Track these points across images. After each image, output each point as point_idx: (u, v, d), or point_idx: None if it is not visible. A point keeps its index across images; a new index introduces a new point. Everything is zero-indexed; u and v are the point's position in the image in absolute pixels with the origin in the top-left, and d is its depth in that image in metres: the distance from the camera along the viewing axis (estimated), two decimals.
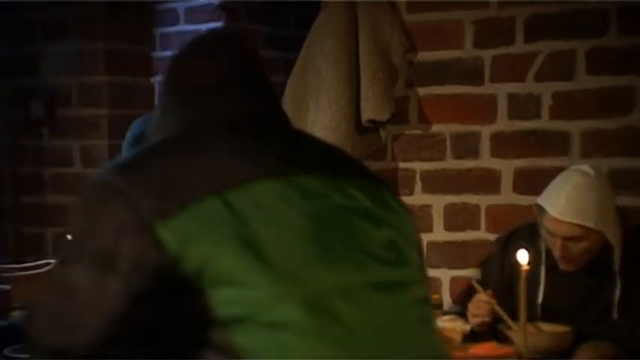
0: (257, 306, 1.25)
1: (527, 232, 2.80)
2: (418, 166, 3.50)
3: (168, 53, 4.37)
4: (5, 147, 4.32)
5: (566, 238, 2.60)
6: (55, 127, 4.27)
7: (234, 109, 1.49)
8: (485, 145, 3.44)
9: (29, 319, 1.34)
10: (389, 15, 3.54)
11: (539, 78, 3.35)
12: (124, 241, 1.27)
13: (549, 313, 2.63)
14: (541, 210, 2.68)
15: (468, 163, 3.38)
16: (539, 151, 3.35)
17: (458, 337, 2.64)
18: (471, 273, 3.29)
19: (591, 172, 2.64)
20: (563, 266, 2.66)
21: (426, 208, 3.47)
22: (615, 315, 2.62)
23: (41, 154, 4.30)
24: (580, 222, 2.57)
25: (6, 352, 2.31)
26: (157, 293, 1.26)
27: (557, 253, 2.63)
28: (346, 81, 3.51)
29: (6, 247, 4.21)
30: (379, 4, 3.54)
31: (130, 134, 2.75)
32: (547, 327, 2.60)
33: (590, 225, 2.57)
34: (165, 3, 4.37)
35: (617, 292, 2.61)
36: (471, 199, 3.37)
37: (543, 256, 2.70)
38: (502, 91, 3.41)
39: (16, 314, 2.79)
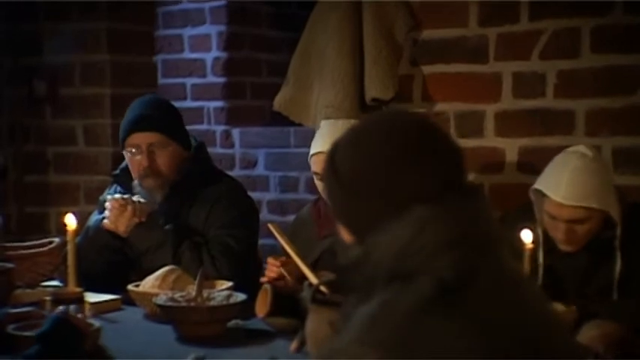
0: None
1: (521, 215, 2.76)
2: None
3: (170, 32, 4.36)
4: (8, 126, 4.31)
5: (570, 221, 2.59)
6: (57, 105, 4.26)
7: None
8: (489, 124, 3.43)
9: None
10: None
11: (544, 56, 3.34)
12: None
13: (550, 294, 2.62)
14: (540, 195, 2.66)
15: (473, 142, 3.37)
16: (543, 130, 3.34)
17: None
18: None
19: (588, 153, 2.62)
20: (565, 248, 2.65)
21: None
22: (615, 293, 2.61)
23: (44, 132, 4.29)
24: (584, 204, 2.56)
25: (9, 329, 2.31)
26: None
27: (560, 236, 2.62)
28: (350, 60, 3.49)
29: (9, 226, 4.22)
30: None
31: None
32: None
33: (595, 206, 2.56)
34: None
35: (617, 270, 2.61)
36: (475, 178, 3.36)
37: (541, 238, 2.69)
38: (507, 69, 3.40)
39: (20, 292, 2.80)
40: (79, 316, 2.27)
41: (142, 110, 3.07)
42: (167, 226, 3.01)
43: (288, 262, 2.70)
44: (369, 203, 1.39)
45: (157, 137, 3.03)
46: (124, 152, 3.07)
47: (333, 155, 1.45)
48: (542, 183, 2.65)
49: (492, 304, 1.34)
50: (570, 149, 2.71)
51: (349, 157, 1.42)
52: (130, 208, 2.96)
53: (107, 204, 3.01)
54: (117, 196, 3.03)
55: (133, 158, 3.05)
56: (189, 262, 2.91)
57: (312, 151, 2.95)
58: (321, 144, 2.90)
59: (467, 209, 1.38)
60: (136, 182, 3.07)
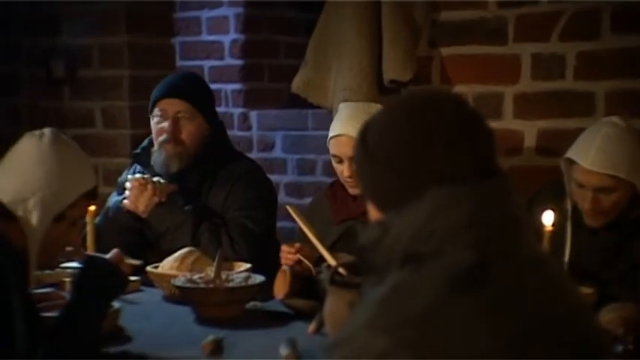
0: None
1: (551, 191, 2.79)
2: None
3: (188, 14, 4.35)
4: (26, 107, 4.33)
5: (597, 190, 2.59)
6: (76, 87, 4.27)
7: None
8: (508, 106, 3.42)
9: None
10: None
11: (563, 38, 3.31)
12: None
13: (576, 272, 2.62)
14: (570, 163, 2.66)
15: (491, 124, 3.33)
16: (562, 112, 3.32)
17: None
18: None
19: (621, 123, 2.62)
20: (591, 220, 2.65)
21: None
22: None
23: (62, 114, 4.30)
24: (611, 172, 2.55)
25: None
26: None
27: (587, 205, 2.61)
28: (368, 41, 3.48)
29: None
30: None
31: None
32: None
33: (622, 175, 2.56)
34: None
35: None
36: None
37: (569, 214, 2.69)
38: (526, 51, 3.38)
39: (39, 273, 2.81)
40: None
41: (174, 80, 3.13)
42: (186, 207, 3.02)
43: (302, 248, 2.70)
44: (394, 179, 1.37)
45: (185, 106, 3.05)
46: (151, 117, 3.09)
47: (366, 129, 1.44)
48: (572, 151, 2.65)
49: (514, 287, 1.32)
50: (604, 119, 2.71)
51: (380, 130, 1.41)
52: (150, 187, 2.97)
53: (127, 184, 3.02)
54: (137, 175, 3.04)
55: (158, 124, 3.07)
56: (208, 243, 2.92)
57: (330, 134, 2.94)
58: (340, 126, 2.90)
59: (489, 192, 1.36)
60: (155, 148, 3.08)
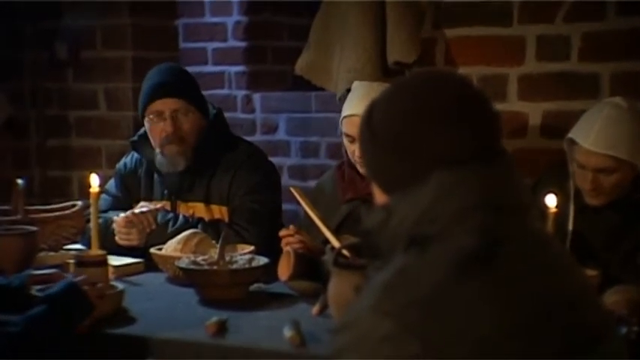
0: None
1: (555, 173, 2.79)
2: None
3: None
4: (30, 89, 4.32)
5: (597, 171, 2.59)
6: (79, 69, 4.26)
7: None
8: (512, 88, 3.40)
9: None
10: None
11: (568, 19, 3.29)
12: None
13: (579, 253, 2.62)
14: (572, 143, 2.66)
15: (496, 106, 3.32)
16: (568, 94, 3.31)
17: None
18: None
19: (623, 104, 2.62)
20: (592, 200, 2.64)
21: None
22: None
23: (66, 96, 4.30)
24: (611, 153, 2.55)
25: (34, 291, 2.33)
26: None
27: (587, 186, 2.61)
28: (372, 23, 3.46)
29: (32, 190, 4.23)
30: None
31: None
32: None
33: (622, 156, 2.55)
34: None
35: None
36: None
37: (572, 194, 2.68)
38: (531, 32, 3.36)
39: (43, 255, 2.82)
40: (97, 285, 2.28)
41: (162, 77, 3.07)
42: (180, 218, 3.00)
43: (299, 231, 2.70)
44: (398, 160, 1.36)
45: (180, 103, 3.02)
46: (145, 120, 3.06)
47: (371, 110, 1.43)
48: (574, 131, 2.65)
49: (519, 269, 1.32)
50: (607, 99, 2.70)
51: (384, 111, 1.40)
52: (137, 221, 2.94)
53: (114, 225, 2.98)
54: (121, 215, 2.99)
55: (155, 125, 3.04)
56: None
57: (343, 113, 2.93)
58: (353, 106, 2.89)
59: (494, 175, 1.35)
60: (157, 151, 3.06)
